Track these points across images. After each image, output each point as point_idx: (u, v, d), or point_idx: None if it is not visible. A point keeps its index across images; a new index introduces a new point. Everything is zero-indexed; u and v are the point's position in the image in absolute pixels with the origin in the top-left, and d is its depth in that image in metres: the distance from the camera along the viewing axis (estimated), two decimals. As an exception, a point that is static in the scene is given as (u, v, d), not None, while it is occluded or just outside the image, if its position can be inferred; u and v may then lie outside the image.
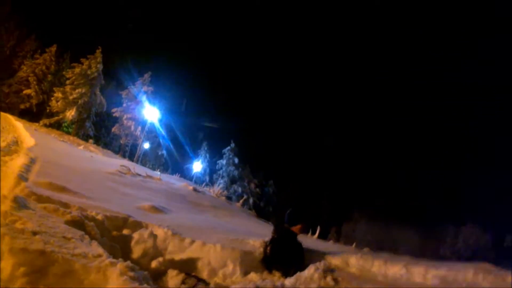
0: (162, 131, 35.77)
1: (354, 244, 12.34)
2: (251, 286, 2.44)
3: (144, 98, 34.75)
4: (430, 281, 4.16)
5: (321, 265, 3.43)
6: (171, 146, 36.02)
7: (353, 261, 4.90)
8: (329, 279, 3.16)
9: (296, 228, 5.08)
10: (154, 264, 4.05)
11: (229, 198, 21.17)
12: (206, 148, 32.28)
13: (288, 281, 2.94)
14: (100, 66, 36.42)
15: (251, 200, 27.02)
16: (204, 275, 4.10)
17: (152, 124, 34.63)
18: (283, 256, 4.63)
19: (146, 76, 36.63)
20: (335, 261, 4.76)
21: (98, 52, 36.83)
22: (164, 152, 35.73)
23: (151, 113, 32.71)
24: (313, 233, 10.46)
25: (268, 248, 4.77)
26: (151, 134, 35.80)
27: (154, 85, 36.53)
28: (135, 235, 4.37)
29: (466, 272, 4.84)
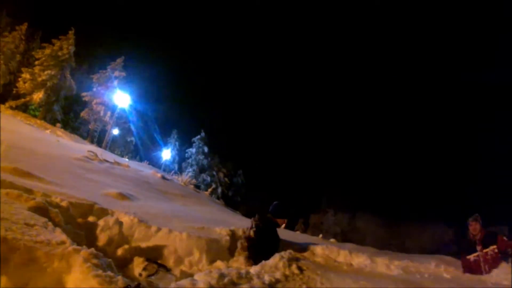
0: (132, 117, 35.23)
1: (320, 235, 12.62)
2: (215, 273, 2.49)
3: (115, 83, 33.92)
4: (393, 271, 4.32)
5: (286, 254, 3.51)
6: (141, 133, 35.59)
7: (319, 251, 5.04)
8: (294, 267, 3.24)
9: (281, 221, 5.23)
10: (119, 251, 4.05)
11: (197, 187, 21.09)
12: (176, 136, 31.94)
13: (253, 269, 3.01)
14: (72, 48, 35.03)
15: (219, 190, 27.01)
16: (170, 262, 4.13)
17: (123, 110, 33.93)
18: (264, 244, 4.76)
19: (119, 61, 35.62)
20: (301, 250, 4.89)
21: (71, 33, 35.32)
22: (134, 139, 35.15)
23: (121, 99, 31.95)
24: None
25: (252, 231, 4.88)
26: (120, 120, 35.06)
27: (126, 71, 35.68)
28: (101, 222, 4.34)
29: (428, 264, 5.07)
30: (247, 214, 14.07)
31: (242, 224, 6.94)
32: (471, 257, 5.39)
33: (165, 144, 32.78)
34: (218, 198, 23.01)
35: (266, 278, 2.74)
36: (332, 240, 9.54)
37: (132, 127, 34.81)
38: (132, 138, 35.09)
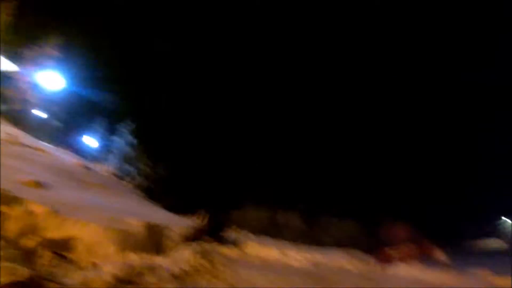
0: (61, 101, 32.89)
1: (238, 229, 12.85)
2: (122, 264, 2.57)
3: (47, 62, 31.46)
4: (302, 264, 4.63)
5: (197, 247, 3.65)
6: (68, 118, 33.35)
7: (231, 244, 5.26)
8: (204, 260, 3.38)
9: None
10: (29, 242, 3.91)
11: (120, 177, 20.48)
12: (102, 124, 30.36)
13: (164, 261, 3.12)
14: (4, 19, 32.11)
15: (142, 181, 26.30)
16: (82, 253, 4.07)
17: (52, 92, 31.61)
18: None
19: (54, 39, 33.11)
20: (213, 244, 5.06)
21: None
22: (59, 124, 32.98)
23: (53, 80, 29.66)
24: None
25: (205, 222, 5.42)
26: (48, 103, 32.73)
27: (62, 50, 33.22)
28: (11, 212, 4.17)
29: (337, 258, 5.47)
30: (169, 208, 13.91)
31: (160, 217, 6.97)
32: (387, 249, 5.96)
33: (91, 131, 31.16)
34: (140, 190, 22.39)
35: (175, 270, 2.87)
36: (249, 234, 9.81)
37: (60, 112, 32.63)
38: (58, 123, 32.93)
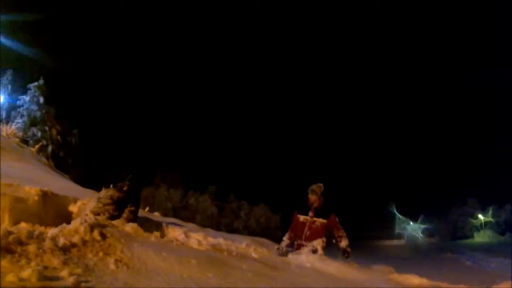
0: None
1: (147, 209, 12.65)
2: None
3: None
4: (204, 247, 4.68)
5: (90, 218, 3.55)
6: None
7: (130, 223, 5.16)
8: (96, 233, 3.30)
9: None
10: None
11: (24, 141, 19.10)
12: (10, 78, 27.56)
13: (50, 231, 3.01)
14: None
15: (49, 148, 24.64)
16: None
17: None
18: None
19: None
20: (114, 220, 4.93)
21: None
22: None
23: None
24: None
25: (125, 187, 5.31)
26: None
27: None
28: None
29: (240, 243, 5.60)
30: (77, 180, 13.32)
31: (62, 188, 6.69)
32: (301, 217, 6.22)
33: (-4, 84, 28.22)
34: (47, 157, 21.02)
35: (61, 240, 2.78)
36: (156, 213, 9.70)
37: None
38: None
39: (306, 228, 6.17)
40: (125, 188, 5.34)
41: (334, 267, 5.24)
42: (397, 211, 53.86)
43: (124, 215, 5.15)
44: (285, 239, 6.41)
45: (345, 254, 6.05)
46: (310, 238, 6.06)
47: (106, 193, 5.28)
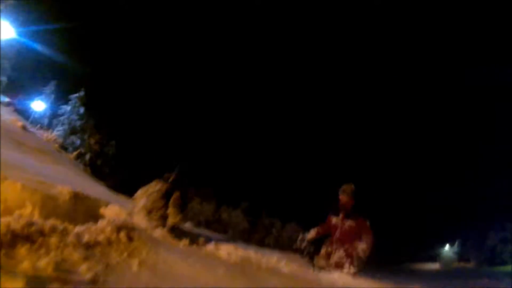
0: (8, 53, 30.97)
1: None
2: (23, 220, 2.37)
3: None
4: (233, 258, 4.51)
5: (119, 220, 3.46)
6: (15, 73, 31.48)
7: (160, 229, 5.06)
8: (122, 235, 3.20)
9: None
10: None
11: (64, 148, 19.72)
12: (53, 88, 28.87)
13: (77, 228, 2.92)
14: None
15: (87, 156, 25.36)
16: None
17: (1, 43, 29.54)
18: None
19: None
20: (143, 224, 4.84)
21: None
22: (4, 78, 31.08)
23: (3, 29, 27.51)
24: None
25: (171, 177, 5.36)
26: None
27: None
28: None
29: (271, 257, 5.40)
30: (113, 187, 13.52)
31: (95, 192, 6.71)
32: (334, 218, 5.98)
33: (40, 93, 29.59)
34: (85, 164, 21.65)
35: (86, 237, 2.69)
36: (187, 224, 9.63)
37: (7, 65, 30.72)
38: (4, 78, 31.07)
39: (337, 231, 5.93)
40: (171, 179, 5.27)
41: (367, 286, 4.98)
42: (432, 232, 52.13)
43: (169, 208, 5.10)
44: (312, 231, 6.20)
45: (356, 262, 5.69)
46: (341, 241, 5.81)
47: (154, 187, 5.25)
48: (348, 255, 5.68)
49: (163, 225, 5.08)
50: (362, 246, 5.70)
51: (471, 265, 47.88)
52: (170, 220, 5.15)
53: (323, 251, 6.05)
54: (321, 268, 5.78)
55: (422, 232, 52.34)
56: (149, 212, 5.11)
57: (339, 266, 5.63)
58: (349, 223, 5.87)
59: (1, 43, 29.32)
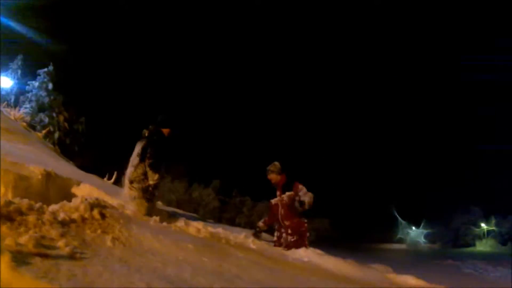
0: None
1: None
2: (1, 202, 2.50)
3: None
4: (202, 234, 4.72)
5: (91, 198, 3.61)
6: None
7: (131, 206, 5.20)
8: (95, 212, 3.36)
9: (166, 131, 5.54)
10: None
11: (32, 126, 19.27)
12: (20, 63, 27.67)
13: (50, 207, 3.06)
14: None
15: (56, 135, 24.78)
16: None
17: None
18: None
19: None
20: (113, 201, 4.98)
21: None
22: None
23: None
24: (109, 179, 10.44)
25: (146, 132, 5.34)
26: None
27: None
28: None
29: (239, 234, 5.63)
30: (81, 167, 13.40)
31: (66, 171, 6.75)
32: (273, 200, 6.24)
33: (6, 69, 28.40)
34: (53, 143, 21.18)
35: (61, 215, 2.84)
36: (158, 202, 9.76)
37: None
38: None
39: (280, 209, 6.16)
40: (146, 134, 5.34)
41: (331, 263, 5.25)
42: (399, 215, 53.84)
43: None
44: (260, 223, 6.54)
45: (301, 204, 6.04)
46: (286, 217, 6.07)
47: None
48: (295, 233, 6.00)
49: (144, 197, 5.20)
50: (304, 197, 6.05)
51: (436, 246, 49.86)
52: (150, 182, 5.24)
53: (275, 237, 6.33)
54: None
55: (389, 214, 53.97)
56: (130, 182, 5.23)
57: (292, 246, 5.92)
58: (287, 195, 6.15)
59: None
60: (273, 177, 6.28)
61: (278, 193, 6.23)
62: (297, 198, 6.08)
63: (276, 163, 6.37)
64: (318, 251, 5.85)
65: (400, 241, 53.22)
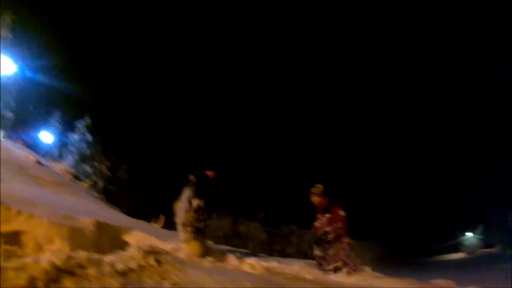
0: (13, 89, 31.23)
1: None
2: (62, 254, 2.53)
3: None
4: (257, 270, 4.63)
5: (145, 246, 3.61)
6: (21, 108, 31.63)
7: (184, 248, 5.20)
8: (151, 259, 3.35)
9: (210, 173, 5.70)
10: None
11: (77, 177, 19.91)
12: (58, 118, 28.92)
13: (109, 258, 3.07)
14: None
15: (100, 183, 25.49)
16: (29, 249, 3.97)
17: (3, 79, 29.75)
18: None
19: (7, 17, 31.06)
20: (166, 246, 4.99)
21: None
22: (11, 114, 31.28)
23: (4, 64, 27.63)
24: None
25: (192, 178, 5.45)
26: None
27: (16, 32, 31.29)
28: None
29: (293, 266, 5.51)
30: (128, 212, 13.66)
31: (115, 219, 6.85)
32: (317, 223, 6.20)
33: (47, 125, 29.73)
34: (98, 192, 21.76)
35: (119, 266, 2.84)
36: (209, 241, 9.75)
37: (10, 100, 30.92)
38: (10, 114, 31.23)
39: (319, 230, 6.22)
40: (192, 179, 5.44)
41: (392, 285, 5.05)
42: (450, 222, 51.57)
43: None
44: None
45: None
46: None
47: (183, 198, 5.43)
48: (337, 256, 5.93)
49: (197, 238, 5.23)
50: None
51: (496, 250, 47.15)
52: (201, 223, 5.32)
53: (316, 257, 6.27)
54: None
55: (441, 223, 51.87)
56: (183, 226, 5.28)
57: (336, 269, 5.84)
58: (326, 216, 6.13)
59: (3, 79, 29.75)
60: (316, 199, 6.33)
61: (318, 215, 6.29)
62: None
63: (319, 185, 6.42)
64: (377, 273, 5.67)
65: (457, 249, 50.69)
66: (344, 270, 5.76)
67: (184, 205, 5.35)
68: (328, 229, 6.04)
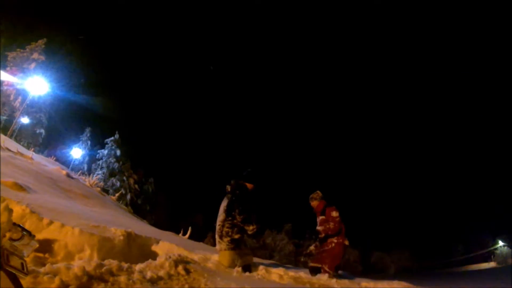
0: (45, 108, 32.60)
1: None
2: (94, 262, 2.55)
3: (32, 66, 31.09)
4: (285, 280, 4.58)
5: (174, 255, 3.61)
6: (52, 126, 33.00)
7: (213, 257, 5.18)
8: (180, 268, 3.34)
9: (249, 185, 5.62)
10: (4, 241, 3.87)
11: (105, 190, 20.31)
12: (88, 135, 30.12)
13: (139, 266, 3.08)
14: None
15: (128, 196, 26.00)
16: (60, 257, 4.04)
17: (36, 98, 31.13)
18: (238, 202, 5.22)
19: (40, 42, 32.58)
20: (194, 256, 4.98)
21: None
22: (43, 131, 32.64)
23: (37, 85, 28.97)
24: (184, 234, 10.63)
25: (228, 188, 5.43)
26: (32, 108, 32.24)
27: (48, 55, 32.71)
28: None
29: (321, 276, 5.43)
30: (155, 224, 13.83)
31: (143, 230, 6.91)
32: (318, 226, 6.33)
33: (77, 141, 30.84)
34: (126, 204, 22.18)
35: (148, 274, 2.84)
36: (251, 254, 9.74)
37: (44, 118, 32.25)
38: (42, 130, 32.55)
39: (319, 228, 6.38)
40: (229, 189, 5.45)
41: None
42: (480, 232, 49.97)
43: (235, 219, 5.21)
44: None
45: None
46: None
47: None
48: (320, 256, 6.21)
49: (233, 248, 5.18)
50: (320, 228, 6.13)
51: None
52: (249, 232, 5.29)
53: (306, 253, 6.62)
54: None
55: (472, 231, 50.48)
56: (220, 237, 5.25)
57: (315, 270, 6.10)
58: (321, 218, 6.34)
59: (37, 98, 31.06)
60: (315, 203, 6.54)
61: (318, 218, 6.48)
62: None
63: (318, 191, 6.65)
64: (405, 283, 5.52)
65: (488, 259, 48.82)
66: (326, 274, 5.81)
67: (221, 216, 5.32)
68: (319, 228, 6.26)
